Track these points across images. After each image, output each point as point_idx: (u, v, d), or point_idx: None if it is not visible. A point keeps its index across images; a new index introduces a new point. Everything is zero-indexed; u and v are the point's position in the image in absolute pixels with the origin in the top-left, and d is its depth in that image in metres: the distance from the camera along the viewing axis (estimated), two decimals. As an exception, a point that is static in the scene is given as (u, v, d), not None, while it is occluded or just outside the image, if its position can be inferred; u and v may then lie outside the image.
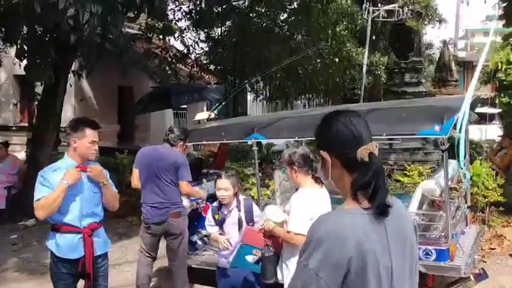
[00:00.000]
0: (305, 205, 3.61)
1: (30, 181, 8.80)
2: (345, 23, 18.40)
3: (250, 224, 4.14)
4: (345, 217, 1.58)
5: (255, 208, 4.27)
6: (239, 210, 4.15)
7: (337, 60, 17.69)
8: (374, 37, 20.93)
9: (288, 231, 3.68)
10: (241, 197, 4.27)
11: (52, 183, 3.56)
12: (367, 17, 17.79)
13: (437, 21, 26.03)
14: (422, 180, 7.41)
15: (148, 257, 5.08)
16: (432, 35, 61.07)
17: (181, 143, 5.11)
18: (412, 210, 4.84)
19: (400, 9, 15.26)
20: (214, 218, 4.25)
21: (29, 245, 7.57)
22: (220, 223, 4.23)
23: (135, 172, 5.11)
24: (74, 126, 3.70)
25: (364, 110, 5.17)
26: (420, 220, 4.92)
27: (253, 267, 3.95)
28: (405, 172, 9.77)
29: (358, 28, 19.52)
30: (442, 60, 18.34)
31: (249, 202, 4.27)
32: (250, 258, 3.91)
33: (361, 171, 1.59)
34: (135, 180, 5.10)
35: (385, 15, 17.66)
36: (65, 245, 3.63)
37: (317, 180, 3.72)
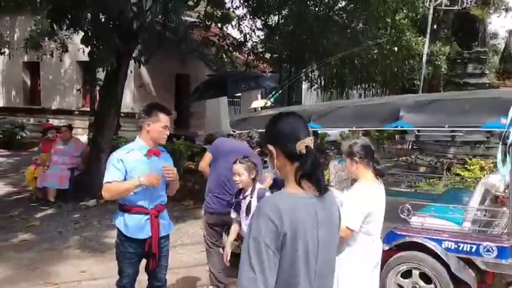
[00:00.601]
0: (363, 200, 3.44)
1: (92, 164, 9.18)
2: (405, 11, 17.94)
3: None
4: (287, 199, 1.95)
5: None
6: (251, 197, 4.15)
7: (396, 49, 17.30)
8: (435, 26, 20.28)
9: None
10: (258, 185, 4.24)
11: (126, 165, 3.68)
12: (429, 5, 17.26)
13: (503, 9, 24.93)
14: (484, 175, 7.14)
15: (216, 246, 5.08)
16: (497, 24, 58.33)
17: (259, 149, 5.23)
18: (473, 205, 4.68)
19: (465, -3, 14.71)
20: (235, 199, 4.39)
21: (90, 224, 7.86)
22: (236, 207, 4.31)
23: (208, 156, 5.15)
24: (148, 111, 3.80)
25: (425, 100, 5.01)
26: (482, 216, 4.75)
27: None
28: (465, 166, 9.46)
29: (418, 16, 18.99)
30: (507, 50, 17.47)
31: (262, 192, 4.16)
32: None
33: (301, 161, 1.98)
34: (204, 163, 5.16)
35: (448, 3, 17.08)
36: (134, 226, 3.75)
37: (378, 174, 3.59)
